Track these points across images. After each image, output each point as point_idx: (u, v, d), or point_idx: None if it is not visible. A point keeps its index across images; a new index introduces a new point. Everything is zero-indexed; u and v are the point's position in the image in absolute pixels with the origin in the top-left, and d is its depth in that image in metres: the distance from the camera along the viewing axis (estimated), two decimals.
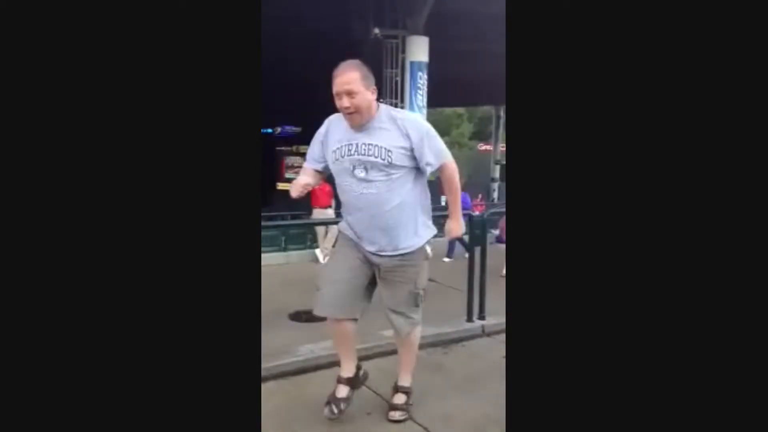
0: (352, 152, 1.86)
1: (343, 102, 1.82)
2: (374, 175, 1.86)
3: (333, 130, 1.95)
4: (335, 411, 2.06)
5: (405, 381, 2.20)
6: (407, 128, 1.87)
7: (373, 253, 1.97)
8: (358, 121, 1.86)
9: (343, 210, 2.06)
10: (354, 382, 2.13)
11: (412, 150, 1.87)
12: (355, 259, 2.01)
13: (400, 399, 2.16)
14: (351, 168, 1.87)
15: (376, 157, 1.84)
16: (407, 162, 1.87)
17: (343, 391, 2.10)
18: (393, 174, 1.86)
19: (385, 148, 1.84)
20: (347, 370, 2.12)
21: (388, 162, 1.84)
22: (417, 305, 2.07)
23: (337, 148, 1.89)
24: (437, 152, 1.92)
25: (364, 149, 1.85)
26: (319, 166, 2.02)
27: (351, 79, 1.83)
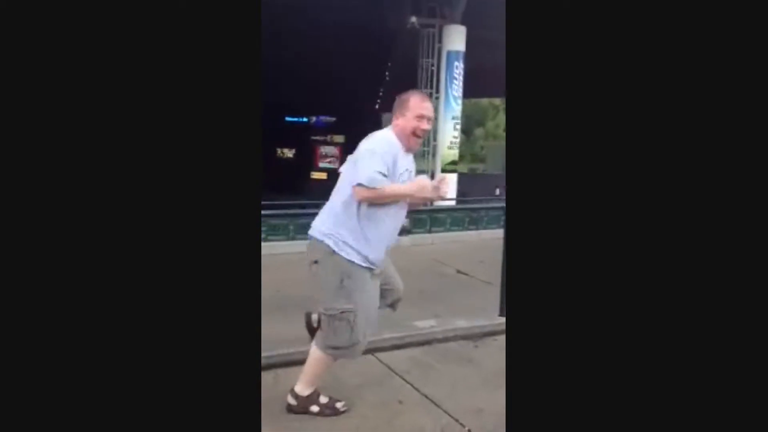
0: (413, 177, 2.03)
1: (425, 126, 1.97)
2: None
3: (397, 156, 1.97)
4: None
5: None
6: None
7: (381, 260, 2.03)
8: (417, 146, 2.04)
9: (369, 234, 1.94)
10: None
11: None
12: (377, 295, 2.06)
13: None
14: None
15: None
16: None
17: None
18: None
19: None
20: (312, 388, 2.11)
21: None
22: None
23: (404, 171, 1.99)
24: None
25: (413, 170, 2.06)
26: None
27: (432, 108, 2.04)
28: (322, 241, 1.94)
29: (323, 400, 2.09)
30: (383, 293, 2.09)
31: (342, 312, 1.91)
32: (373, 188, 1.83)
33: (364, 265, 1.93)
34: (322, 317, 1.98)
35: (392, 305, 2.21)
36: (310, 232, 2.03)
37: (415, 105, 1.97)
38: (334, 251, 1.91)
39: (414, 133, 1.96)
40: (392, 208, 1.97)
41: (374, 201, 1.90)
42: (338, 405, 2.10)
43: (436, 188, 1.98)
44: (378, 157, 1.86)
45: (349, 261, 1.91)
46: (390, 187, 1.88)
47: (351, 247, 1.91)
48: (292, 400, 2.08)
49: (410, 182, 1.97)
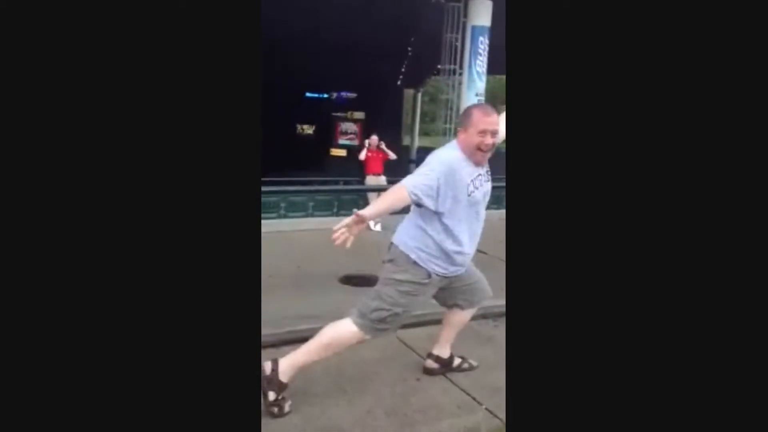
0: (483, 183, 2.04)
1: (488, 140, 1.95)
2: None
3: (458, 170, 1.97)
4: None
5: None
6: None
7: (455, 272, 2.09)
8: (486, 158, 2.02)
9: (448, 247, 2.00)
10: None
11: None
12: None
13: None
14: (482, 198, 2.04)
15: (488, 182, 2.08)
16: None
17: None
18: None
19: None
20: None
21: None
22: None
23: (471, 181, 2.00)
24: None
25: (486, 178, 2.07)
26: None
27: (497, 120, 1.99)
28: (407, 254, 2.01)
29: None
30: (461, 291, 2.18)
31: (390, 303, 1.98)
32: (411, 194, 1.87)
33: (440, 273, 2.02)
34: (371, 291, 2.05)
35: (461, 305, 2.24)
36: (394, 239, 2.08)
37: (477, 120, 1.95)
38: (415, 262, 2.00)
39: (478, 149, 1.95)
40: (464, 220, 2.00)
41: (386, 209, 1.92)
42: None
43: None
44: (433, 174, 1.91)
45: (428, 271, 2.00)
46: (387, 199, 1.92)
47: (432, 260, 2.00)
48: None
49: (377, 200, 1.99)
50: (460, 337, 2.68)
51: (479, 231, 2.10)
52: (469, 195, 1.98)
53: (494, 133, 1.96)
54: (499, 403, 2.07)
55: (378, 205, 1.91)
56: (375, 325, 1.99)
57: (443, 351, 2.33)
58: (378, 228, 6.74)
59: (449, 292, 2.15)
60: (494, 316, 3.01)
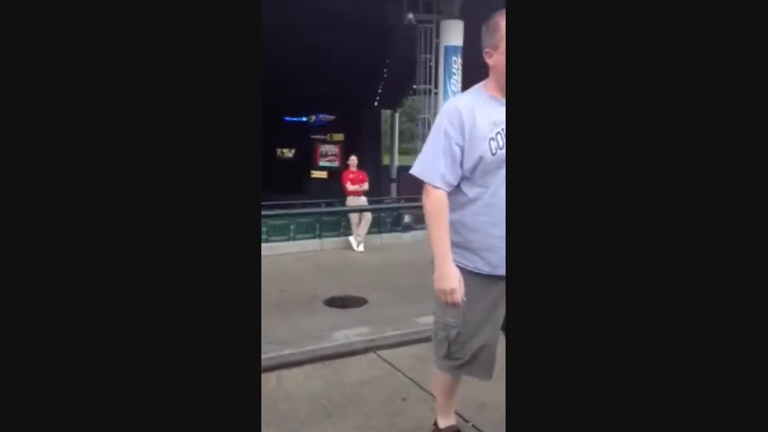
0: (503, 133, 1.44)
1: None
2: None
3: (480, 111, 1.46)
4: None
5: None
6: None
7: (501, 275, 1.50)
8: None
9: (470, 238, 1.53)
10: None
11: None
12: (496, 317, 1.61)
13: None
14: (504, 160, 1.44)
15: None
16: None
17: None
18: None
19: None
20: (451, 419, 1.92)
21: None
22: None
23: (496, 134, 1.44)
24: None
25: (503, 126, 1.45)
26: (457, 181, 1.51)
27: None
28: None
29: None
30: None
31: (444, 324, 1.60)
32: (432, 190, 1.49)
33: (474, 271, 1.55)
34: (433, 325, 1.67)
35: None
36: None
37: (502, 31, 1.46)
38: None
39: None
40: (475, 205, 1.51)
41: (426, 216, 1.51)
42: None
43: (451, 296, 1.49)
44: (437, 135, 1.48)
45: (460, 267, 1.53)
46: (436, 231, 1.48)
47: (457, 252, 1.53)
48: None
49: (446, 267, 1.48)
50: None
51: (500, 220, 1.45)
52: (493, 153, 1.45)
53: None
54: (485, 419, 2.07)
55: (434, 240, 1.49)
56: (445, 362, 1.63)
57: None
58: (361, 248, 6.74)
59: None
60: None
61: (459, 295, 1.48)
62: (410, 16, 7.87)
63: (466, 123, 1.46)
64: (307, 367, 2.51)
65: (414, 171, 1.55)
